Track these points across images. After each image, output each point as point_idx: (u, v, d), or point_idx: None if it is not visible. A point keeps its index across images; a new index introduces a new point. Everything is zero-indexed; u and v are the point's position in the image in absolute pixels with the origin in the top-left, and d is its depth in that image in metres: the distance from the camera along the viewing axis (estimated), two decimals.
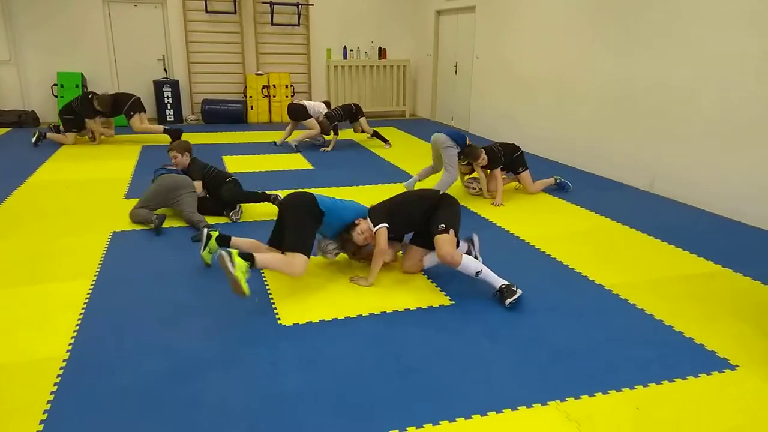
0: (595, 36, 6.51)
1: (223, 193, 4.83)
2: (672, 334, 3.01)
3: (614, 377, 2.60)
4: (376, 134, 8.18)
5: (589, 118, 6.72)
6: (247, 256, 3.09)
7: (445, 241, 3.40)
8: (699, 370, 2.67)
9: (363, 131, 8.17)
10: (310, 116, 7.88)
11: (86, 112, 7.61)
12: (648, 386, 2.53)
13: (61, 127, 7.82)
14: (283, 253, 3.39)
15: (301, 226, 3.41)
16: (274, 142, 8.09)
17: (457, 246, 3.61)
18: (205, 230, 3.76)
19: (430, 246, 3.58)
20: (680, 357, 2.79)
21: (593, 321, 3.16)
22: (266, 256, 3.29)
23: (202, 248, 3.70)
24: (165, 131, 7.78)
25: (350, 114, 8.01)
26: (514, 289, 3.30)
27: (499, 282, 3.37)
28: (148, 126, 7.94)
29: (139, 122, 7.74)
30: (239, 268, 2.98)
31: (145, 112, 7.92)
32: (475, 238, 3.90)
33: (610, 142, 6.40)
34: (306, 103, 8.05)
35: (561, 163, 7.17)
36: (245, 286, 3.00)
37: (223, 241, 3.64)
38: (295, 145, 7.74)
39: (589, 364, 2.72)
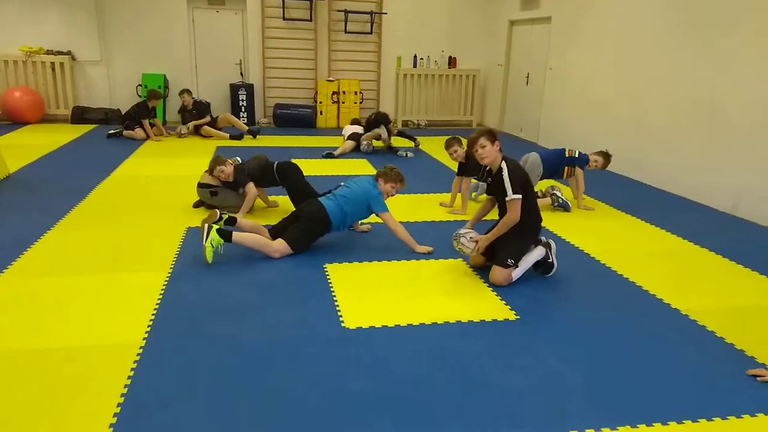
0: (678, 47, 6.24)
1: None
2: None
3: (691, 407, 2.47)
4: (401, 133, 8.49)
5: (667, 134, 6.44)
6: (226, 234, 3.78)
7: (503, 273, 3.69)
8: None
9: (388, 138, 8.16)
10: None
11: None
12: (727, 419, 2.39)
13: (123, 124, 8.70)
14: (274, 237, 4.04)
15: (307, 233, 4.08)
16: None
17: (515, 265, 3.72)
18: (220, 218, 3.99)
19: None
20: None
21: (668, 345, 3.01)
22: (243, 236, 3.93)
23: (204, 239, 3.79)
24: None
25: (384, 120, 8.12)
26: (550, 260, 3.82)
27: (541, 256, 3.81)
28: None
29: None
30: (210, 241, 3.71)
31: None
32: (552, 244, 3.91)
33: (689, 161, 6.11)
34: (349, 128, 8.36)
35: (636, 180, 6.91)
36: (209, 256, 3.73)
37: (225, 231, 3.90)
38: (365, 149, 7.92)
39: (664, 390, 2.59)
